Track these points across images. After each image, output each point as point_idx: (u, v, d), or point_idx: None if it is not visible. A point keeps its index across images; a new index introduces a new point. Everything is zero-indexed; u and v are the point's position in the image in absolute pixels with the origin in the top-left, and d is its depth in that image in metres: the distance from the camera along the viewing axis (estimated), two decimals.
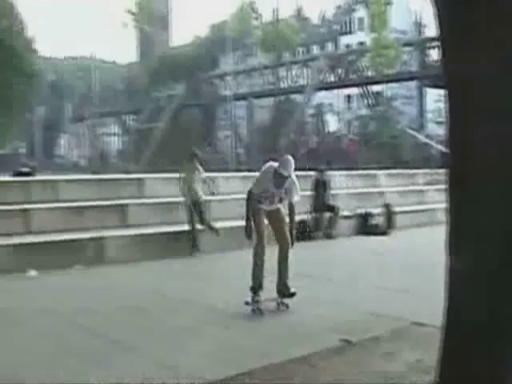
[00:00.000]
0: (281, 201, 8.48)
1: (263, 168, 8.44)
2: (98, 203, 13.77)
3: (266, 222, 8.56)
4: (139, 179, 15.72)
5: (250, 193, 8.45)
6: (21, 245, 11.60)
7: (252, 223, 8.37)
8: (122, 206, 13.97)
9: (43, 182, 14.89)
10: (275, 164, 8.16)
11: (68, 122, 79.91)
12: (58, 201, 13.75)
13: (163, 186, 15.32)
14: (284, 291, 8.38)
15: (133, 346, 6.80)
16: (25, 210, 12.81)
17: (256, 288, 8.27)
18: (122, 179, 15.76)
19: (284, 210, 8.60)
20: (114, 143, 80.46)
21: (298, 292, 8.34)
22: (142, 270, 11.67)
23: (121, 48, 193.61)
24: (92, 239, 12.35)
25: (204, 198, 13.54)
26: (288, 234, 8.39)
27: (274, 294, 8.42)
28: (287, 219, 8.54)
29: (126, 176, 15.53)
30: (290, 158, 8.21)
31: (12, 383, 5.66)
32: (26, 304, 8.90)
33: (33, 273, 10.84)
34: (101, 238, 12.40)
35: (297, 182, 8.34)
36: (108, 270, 11.51)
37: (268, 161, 8.50)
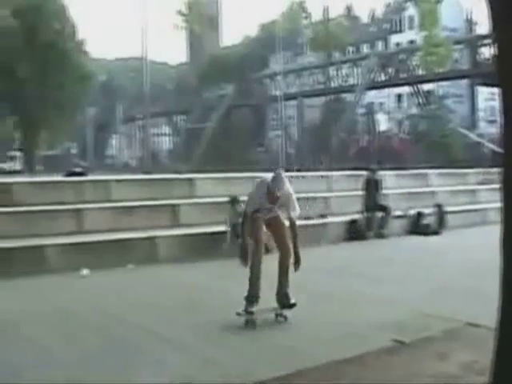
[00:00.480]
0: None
1: (255, 183, 8.02)
2: (149, 203, 13.88)
3: (264, 229, 8.00)
4: (190, 179, 15.80)
5: (245, 216, 7.97)
6: (74, 244, 11.78)
7: (249, 241, 7.82)
8: (173, 205, 14.07)
9: (95, 182, 15.08)
10: (269, 178, 7.65)
11: (119, 123, 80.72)
12: (109, 201, 13.91)
13: (214, 186, 15.38)
14: (284, 301, 7.87)
15: (183, 345, 6.85)
16: (77, 210, 13.00)
17: (251, 298, 7.70)
18: (173, 179, 15.88)
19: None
20: (165, 143, 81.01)
21: (348, 291, 8.26)
22: (192, 269, 11.73)
23: (171, 49, 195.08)
24: (144, 239, 12.48)
25: None
26: (288, 240, 7.82)
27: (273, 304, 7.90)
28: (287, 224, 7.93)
29: (176, 176, 15.65)
30: (282, 173, 7.70)
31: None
32: (78, 302, 9.03)
33: (85, 272, 10.97)
34: (152, 238, 12.52)
35: (294, 196, 7.81)
36: (159, 269, 11.60)
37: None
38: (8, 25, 52.53)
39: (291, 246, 7.76)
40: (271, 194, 7.57)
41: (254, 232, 7.78)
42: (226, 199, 13.50)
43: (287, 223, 7.89)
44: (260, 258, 7.67)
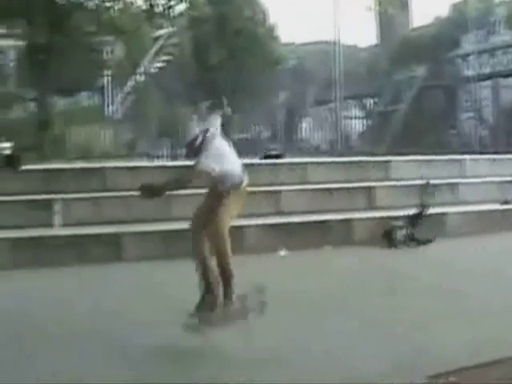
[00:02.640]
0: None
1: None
2: (345, 185, 13.81)
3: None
4: (385, 161, 15.52)
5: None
6: (272, 225, 11.94)
7: None
8: (368, 188, 13.89)
9: (292, 164, 15.16)
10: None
11: (309, 107, 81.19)
12: (306, 182, 13.98)
13: (410, 169, 15.05)
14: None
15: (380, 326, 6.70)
16: (275, 192, 13.15)
17: (205, 292, 6.81)
18: (367, 161, 15.66)
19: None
20: (355, 126, 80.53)
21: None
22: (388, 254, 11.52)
23: (361, 31, 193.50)
24: (340, 221, 12.42)
25: None
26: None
27: None
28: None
29: (372, 158, 15.43)
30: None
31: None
32: (278, 283, 9.10)
33: (283, 252, 11.08)
34: (349, 220, 12.42)
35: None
36: (356, 251, 11.53)
37: None
38: (202, 14, 54.25)
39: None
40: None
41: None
42: (422, 182, 13.19)
43: None
44: (200, 243, 7.00)
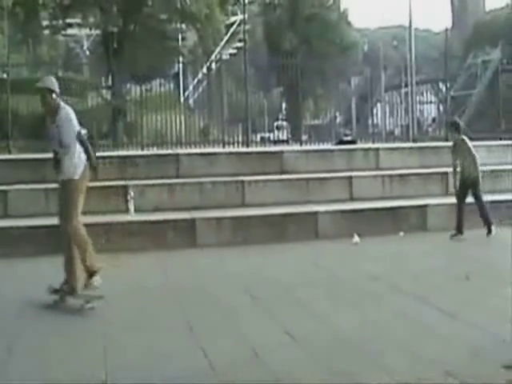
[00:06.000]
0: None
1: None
2: (419, 171, 13.67)
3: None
4: None
5: None
6: (345, 211, 11.91)
7: None
8: (443, 174, 13.67)
9: (365, 150, 15.06)
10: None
11: (382, 92, 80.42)
12: (379, 168, 13.90)
13: (487, 154, 14.80)
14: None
15: (452, 313, 6.65)
16: (348, 178, 13.10)
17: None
18: (442, 147, 15.40)
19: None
20: (429, 111, 79.47)
21: None
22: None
23: (435, 15, 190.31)
24: (414, 207, 12.30)
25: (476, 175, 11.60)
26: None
27: None
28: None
29: (446, 144, 15.13)
30: None
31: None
32: (351, 269, 9.10)
33: (357, 239, 11.03)
34: (423, 206, 12.27)
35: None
36: (429, 237, 11.46)
37: None
38: (274, 0, 54.31)
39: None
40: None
41: None
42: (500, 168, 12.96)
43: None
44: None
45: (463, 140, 11.67)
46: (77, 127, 7.34)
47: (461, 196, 11.51)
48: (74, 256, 7.30)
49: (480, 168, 11.57)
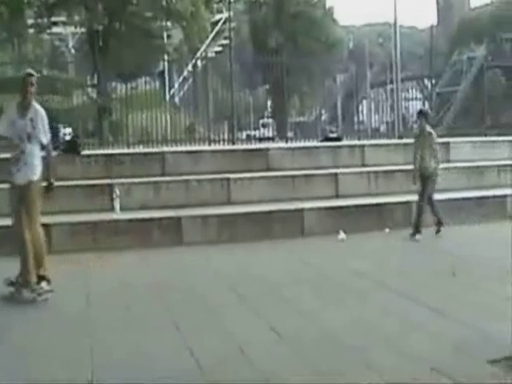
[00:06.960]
0: None
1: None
2: (404, 167, 13.66)
3: None
4: (445, 143, 15.30)
5: None
6: (331, 208, 11.92)
7: None
8: None
9: (351, 146, 15.11)
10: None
11: (367, 89, 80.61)
12: (364, 165, 13.93)
13: (470, 150, 14.90)
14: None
15: (441, 310, 6.66)
16: (334, 174, 13.12)
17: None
18: None
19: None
20: (414, 108, 79.69)
21: None
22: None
23: (420, 13, 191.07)
24: (400, 203, 12.32)
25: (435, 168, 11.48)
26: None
27: None
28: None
29: None
30: None
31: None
32: (337, 266, 9.11)
33: (342, 235, 11.04)
34: (409, 202, 12.27)
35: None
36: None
37: None
38: None
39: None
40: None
41: None
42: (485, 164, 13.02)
43: None
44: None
45: (430, 134, 11.55)
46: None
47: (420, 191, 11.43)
48: (28, 251, 7.31)
49: (440, 165, 11.59)
